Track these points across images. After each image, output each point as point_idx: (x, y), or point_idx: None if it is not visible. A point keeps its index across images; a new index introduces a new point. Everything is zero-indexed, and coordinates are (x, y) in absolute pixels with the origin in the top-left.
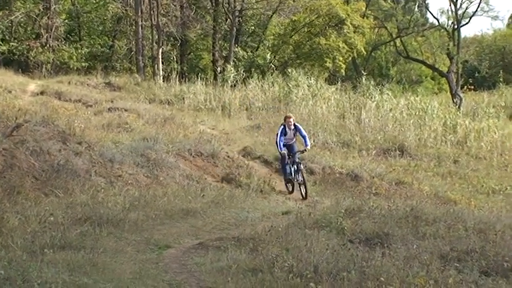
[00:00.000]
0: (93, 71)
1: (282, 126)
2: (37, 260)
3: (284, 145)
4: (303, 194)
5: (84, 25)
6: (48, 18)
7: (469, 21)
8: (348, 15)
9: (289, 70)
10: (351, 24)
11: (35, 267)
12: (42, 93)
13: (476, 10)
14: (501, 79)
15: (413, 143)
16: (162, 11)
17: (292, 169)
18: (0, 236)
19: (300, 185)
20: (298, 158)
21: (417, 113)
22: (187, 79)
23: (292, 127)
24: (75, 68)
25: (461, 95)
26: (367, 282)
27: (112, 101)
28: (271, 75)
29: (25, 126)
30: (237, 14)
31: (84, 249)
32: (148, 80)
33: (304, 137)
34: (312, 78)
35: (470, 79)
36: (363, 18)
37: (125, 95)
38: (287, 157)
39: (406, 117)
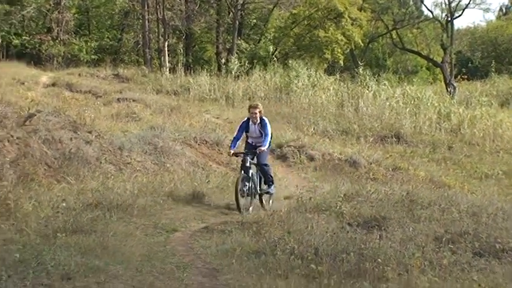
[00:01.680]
0: (102, 63)
1: (245, 119)
2: (50, 243)
3: (251, 144)
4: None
5: (93, 19)
6: (58, 12)
7: (462, 13)
8: (346, 8)
9: (290, 61)
10: (349, 17)
11: (49, 250)
12: (53, 84)
13: (469, 3)
14: (493, 69)
15: (409, 130)
16: (167, 5)
17: (245, 176)
18: (15, 220)
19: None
20: (262, 163)
21: (413, 101)
22: (192, 70)
23: (258, 121)
24: (85, 60)
25: (455, 84)
26: (365, 264)
27: (121, 92)
28: (273, 66)
29: (37, 116)
30: (239, 7)
31: (95, 233)
32: (155, 71)
33: (266, 135)
34: (311, 69)
35: (463, 69)
36: (360, 11)
37: (132, 86)
38: (246, 158)
39: (402, 105)
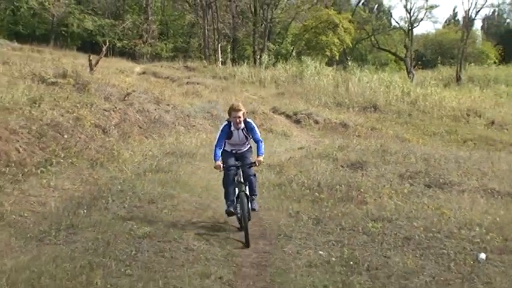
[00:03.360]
0: (176, 59)
1: (226, 123)
2: (141, 179)
3: (231, 153)
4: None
5: (170, 29)
6: (147, 24)
7: (419, 24)
8: (340, 21)
9: (302, 57)
10: (342, 26)
11: (140, 184)
12: (143, 73)
13: (423, 17)
14: (439, 62)
15: (382, 103)
16: (220, 19)
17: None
18: (118, 164)
19: (241, 220)
20: (251, 174)
21: (385, 83)
22: (237, 63)
23: (242, 126)
24: (165, 56)
25: (414, 72)
26: (352, 192)
27: (189, 78)
28: (291, 60)
29: (133, 94)
30: (268, 21)
31: (171, 172)
32: (212, 64)
33: (257, 141)
34: (316, 62)
35: (419, 62)
36: (350, 22)
37: (197, 74)
38: (231, 173)
39: (378, 86)
